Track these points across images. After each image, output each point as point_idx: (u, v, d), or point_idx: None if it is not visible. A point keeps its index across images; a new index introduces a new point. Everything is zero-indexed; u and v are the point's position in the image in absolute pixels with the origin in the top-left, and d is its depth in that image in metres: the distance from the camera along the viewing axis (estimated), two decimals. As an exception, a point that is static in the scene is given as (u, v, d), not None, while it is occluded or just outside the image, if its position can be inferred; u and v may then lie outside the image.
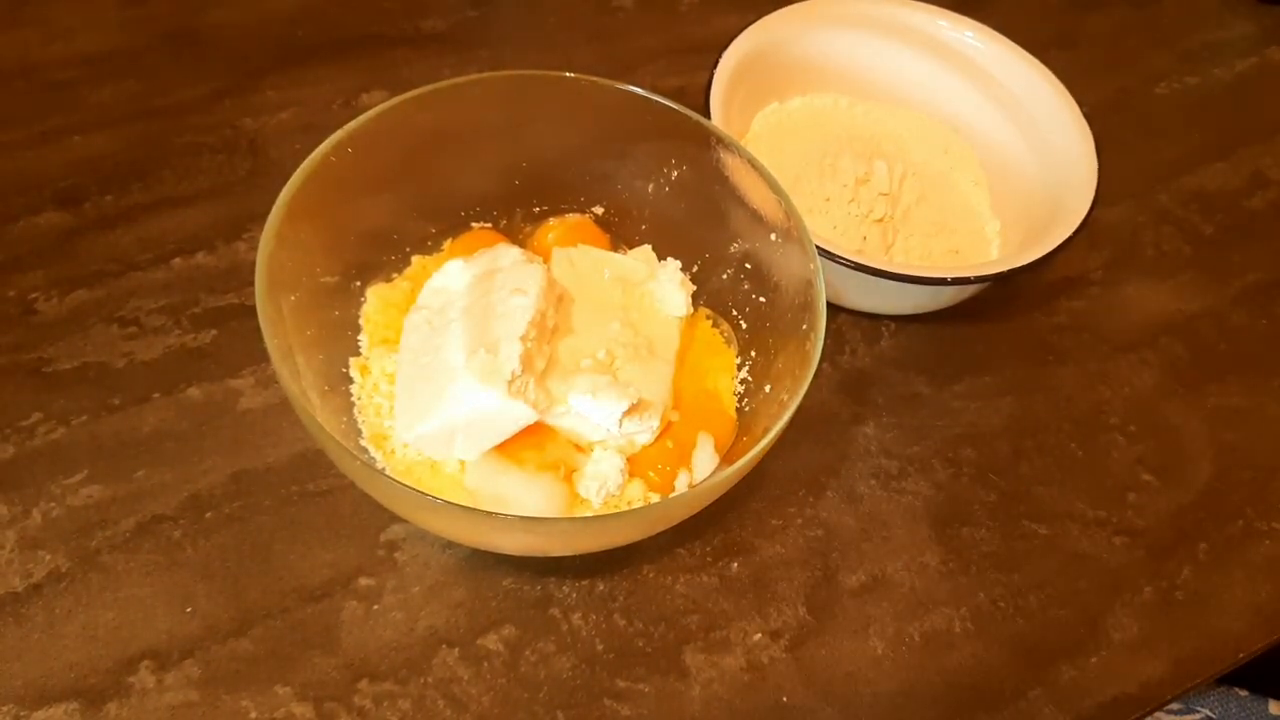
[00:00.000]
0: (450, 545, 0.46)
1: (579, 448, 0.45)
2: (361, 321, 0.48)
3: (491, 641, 0.44)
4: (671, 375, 0.47)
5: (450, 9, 0.70)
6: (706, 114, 0.53)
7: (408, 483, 0.38)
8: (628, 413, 0.43)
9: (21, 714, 0.40)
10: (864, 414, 0.54)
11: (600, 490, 0.44)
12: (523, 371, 0.41)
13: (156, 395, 0.49)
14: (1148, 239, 0.66)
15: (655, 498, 0.45)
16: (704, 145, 0.48)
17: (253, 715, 0.41)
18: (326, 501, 0.47)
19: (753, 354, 0.49)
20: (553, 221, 0.53)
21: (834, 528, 0.50)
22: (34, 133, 0.58)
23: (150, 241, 0.54)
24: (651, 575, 0.47)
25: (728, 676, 0.45)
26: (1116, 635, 0.48)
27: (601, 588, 0.46)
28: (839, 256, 0.49)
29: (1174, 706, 0.58)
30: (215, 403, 0.49)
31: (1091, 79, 0.70)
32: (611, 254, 0.51)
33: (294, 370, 0.40)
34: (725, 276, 0.50)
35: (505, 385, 0.41)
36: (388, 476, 0.38)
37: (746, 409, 0.48)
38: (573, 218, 0.53)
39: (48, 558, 0.44)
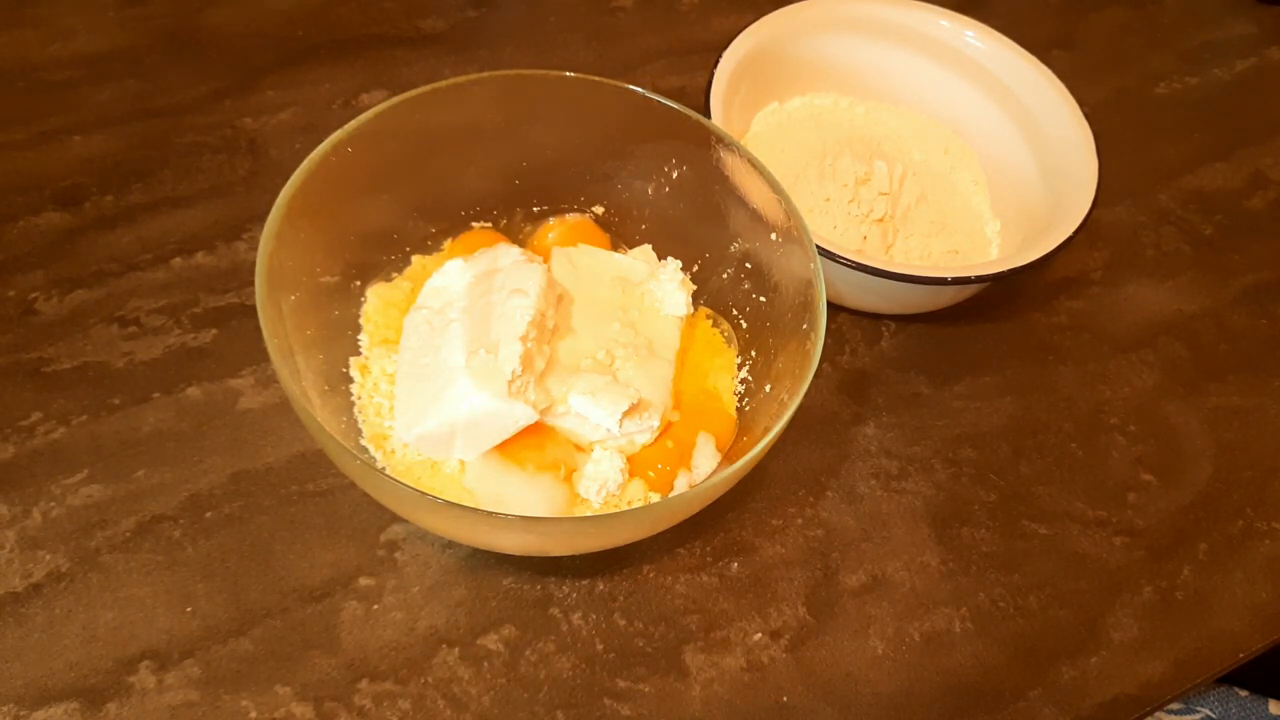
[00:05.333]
0: (450, 545, 0.46)
1: (579, 448, 0.45)
2: (361, 321, 0.48)
3: (491, 641, 0.44)
4: (671, 375, 0.47)
5: (450, 9, 0.70)
6: (706, 114, 0.53)
7: (408, 483, 0.38)
8: (628, 413, 0.43)
9: (21, 714, 0.40)
10: (864, 414, 0.54)
11: (600, 490, 0.44)
12: (523, 372, 0.41)
13: (156, 395, 0.49)
14: (1148, 239, 0.66)
15: (655, 498, 0.45)
16: (704, 145, 0.48)
17: (253, 715, 0.41)
18: (326, 501, 0.47)
19: (753, 354, 0.49)
20: (553, 221, 0.53)
21: (834, 528, 0.50)
22: (34, 133, 0.57)
23: (150, 241, 0.54)
24: (651, 575, 0.47)
25: (728, 676, 0.45)
26: (1116, 635, 0.48)
27: (601, 588, 0.46)
28: (839, 256, 0.49)
29: (1174, 706, 0.58)
30: (215, 403, 0.49)
31: (1091, 79, 0.70)
32: (611, 254, 0.51)
33: (294, 370, 0.40)
34: (725, 276, 0.50)
35: (505, 386, 0.41)
36: (388, 476, 0.38)
37: (746, 409, 0.48)
38: (573, 218, 0.53)
39: (48, 558, 0.44)
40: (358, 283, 0.48)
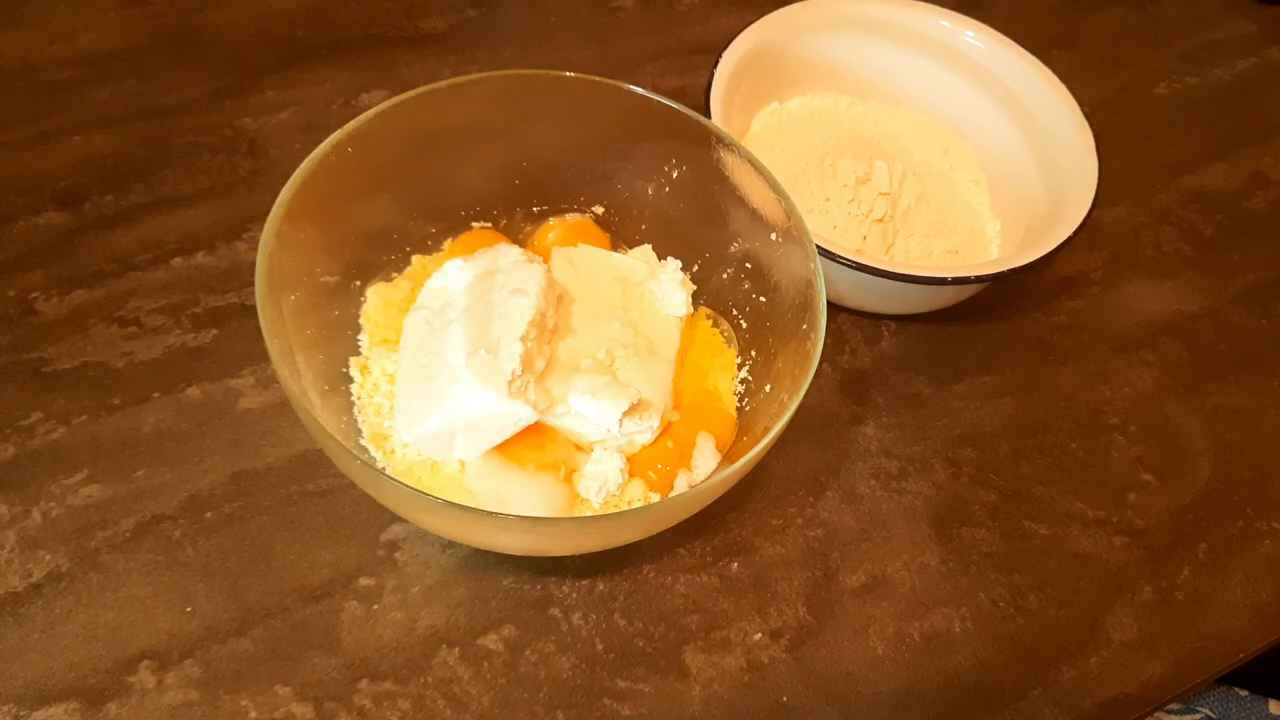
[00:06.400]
0: (450, 545, 0.46)
1: (579, 448, 0.45)
2: (362, 321, 0.48)
3: (491, 641, 0.44)
4: (671, 375, 0.47)
5: (450, 9, 0.70)
6: (706, 114, 0.53)
7: (408, 483, 0.38)
8: (628, 413, 0.43)
9: (21, 714, 0.40)
10: (864, 414, 0.54)
11: (600, 490, 0.44)
12: (523, 372, 0.41)
13: (156, 395, 0.49)
14: (1148, 239, 0.66)
15: (655, 498, 0.45)
16: (704, 145, 0.48)
17: (253, 715, 0.41)
18: (326, 501, 0.47)
19: (753, 354, 0.49)
20: (553, 221, 0.53)
21: (834, 528, 0.50)
22: (34, 133, 0.57)
23: (150, 241, 0.54)
24: (651, 575, 0.47)
25: (728, 676, 0.45)
26: (1116, 635, 0.48)
27: (601, 588, 0.46)
28: (839, 256, 0.49)
29: (1174, 706, 0.58)
30: (215, 403, 0.49)
31: (1091, 79, 0.70)
32: (611, 254, 0.51)
33: (294, 370, 0.40)
34: (725, 276, 0.50)
35: (505, 386, 0.41)
36: (388, 476, 0.38)
37: (746, 409, 0.48)
38: (573, 218, 0.53)
39: (48, 558, 0.44)
40: (358, 283, 0.48)
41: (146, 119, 0.59)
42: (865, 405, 0.54)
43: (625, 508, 0.44)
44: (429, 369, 0.43)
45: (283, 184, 0.41)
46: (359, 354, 0.47)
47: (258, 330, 0.38)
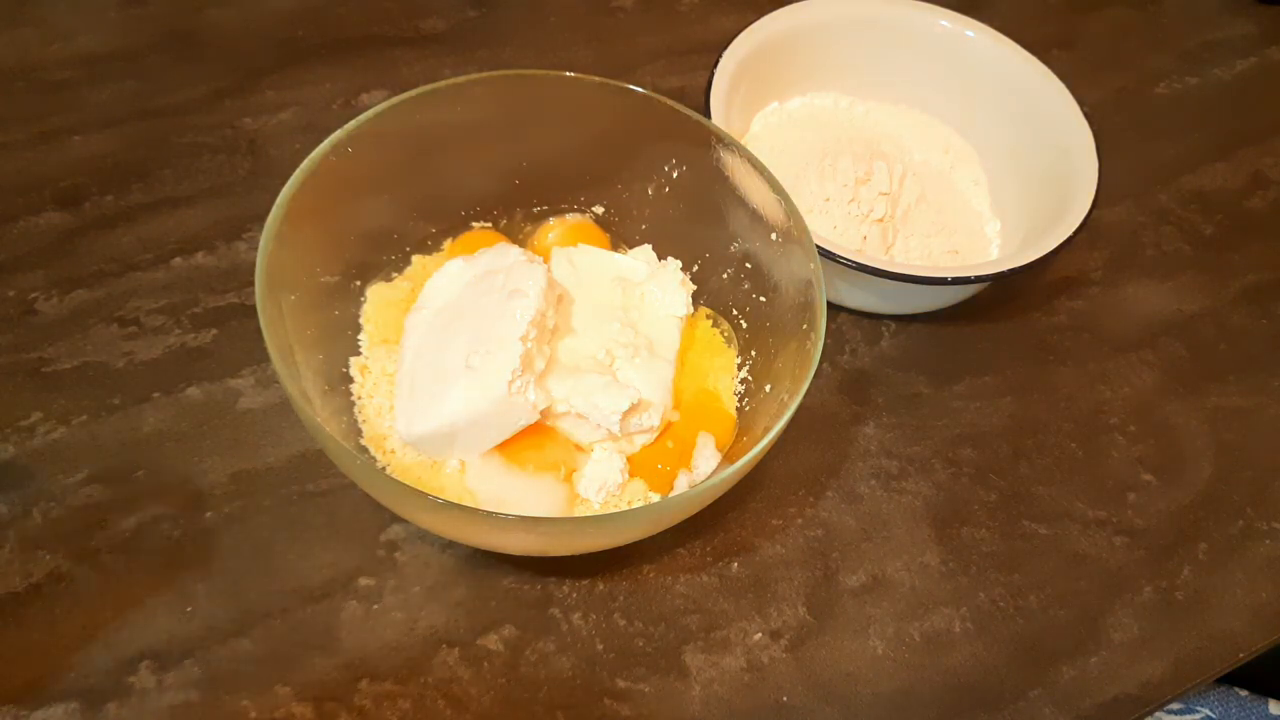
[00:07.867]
0: (450, 545, 0.46)
1: (579, 448, 0.45)
2: (361, 321, 0.48)
3: (491, 641, 0.44)
4: (671, 375, 0.47)
5: (450, 9, 0.70)
6: (706, 114, 0.53)
7: (408, 483, 0.38)
8: (628, 413, 0.43)
9: (21, 714, 0.40)
10: (864, 414, 0.54)
11: (600, 490, 0.44)
12: (523, 372, 0.41)
13: (156, 395, 0.49)
14: (1148, 239, 0.66)
15: (655, 498, 0.45)
16: (704, 145, 0.48)
17: (253, 715, 0.41)
18: (326, 501, 0.47)
19: (753, 354, 0.49)
20: (553, 221, 0.53)
21: (834, 528, 0.50)
22: (34, 133, 0.57)
23: (150, 241, 0.54)
24: (651, 575, 0.47)
25: (728, 676, 0.45)
26: (1116, 635, 0.48)
27: (601, 588, 0.46)
28: (839, 256, 0.49)
29: (1174, 706, 0.58)
30: (215, 403, 0.49)
31: (1091, 79, 0.70)
32: (611, 254, 0.51)
33: (294, 370, 0.40)
34: (725, 276, 0.50)
35: (505, 385, 0.41)
36: (388, 476, 0.38)
37: (746, 409, 0.48)
38: (573, 218, 0.53)
39: (48, 558, 0.44)
40: (358, 283, 0.48)
41: (146, 119, 0.59)
42: (865, 405, 0.54)
43: (625, 508, 0.44)
44: (429, 369, 0.43)
45: (283, 184, 0.41)
46: (359, 354, 0.47)
47: (258, 330, 0.38)
